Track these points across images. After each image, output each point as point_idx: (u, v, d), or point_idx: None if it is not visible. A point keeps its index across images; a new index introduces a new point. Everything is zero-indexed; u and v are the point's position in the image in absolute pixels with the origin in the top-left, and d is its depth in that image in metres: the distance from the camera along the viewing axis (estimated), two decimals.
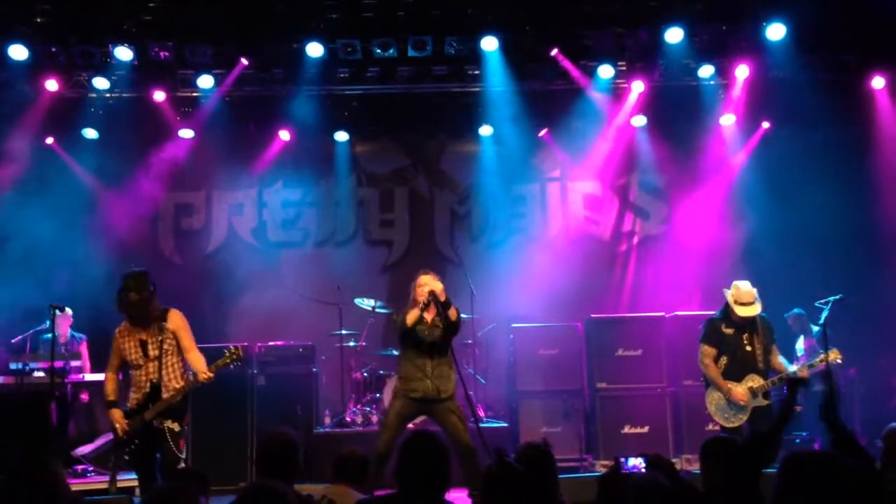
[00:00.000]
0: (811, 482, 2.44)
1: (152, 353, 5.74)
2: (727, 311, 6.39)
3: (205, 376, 5.70)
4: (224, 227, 10.04)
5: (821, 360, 6.40)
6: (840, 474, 2.43)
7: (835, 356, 6.35)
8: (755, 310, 6.31)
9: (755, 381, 6.30)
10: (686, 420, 8.15)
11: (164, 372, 5.71)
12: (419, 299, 6.09)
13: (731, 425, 6.29)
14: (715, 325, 6.44)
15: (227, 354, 5.78)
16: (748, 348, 6.35)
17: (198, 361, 5.79)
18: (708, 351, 6.42)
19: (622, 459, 4.03)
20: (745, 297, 6.31)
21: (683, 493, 3.58)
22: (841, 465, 2.47)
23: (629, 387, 8.24)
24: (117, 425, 5.71)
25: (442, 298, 6.05)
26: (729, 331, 6.39)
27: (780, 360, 6.50)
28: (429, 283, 6.13)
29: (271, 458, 4.09)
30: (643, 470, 3.98)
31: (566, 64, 8.86)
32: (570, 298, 9.33)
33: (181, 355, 5.86)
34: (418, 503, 3.51)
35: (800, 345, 8.38)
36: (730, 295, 6.38)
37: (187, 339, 5.85)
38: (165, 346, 5.75)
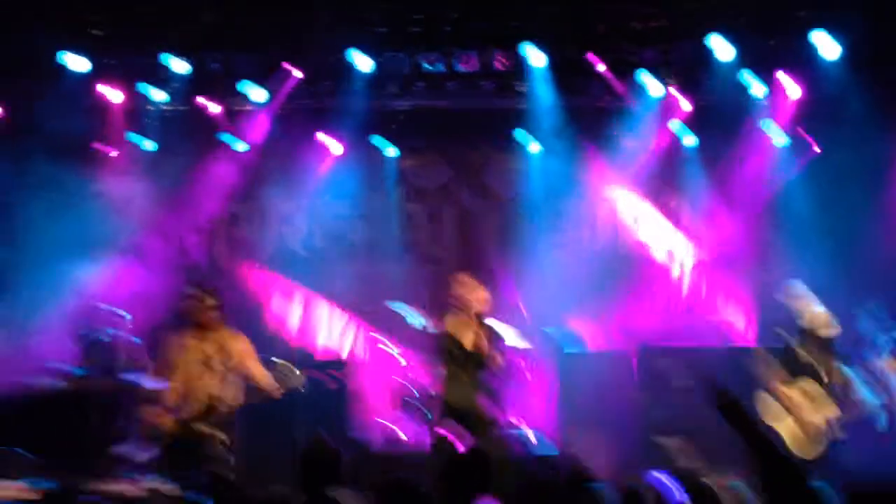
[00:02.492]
0: None
1: (217, 367, 5.87)
2: (804, 338, 6.33)
3: (278, 393, 5.83)
4: (274, 238, 10.16)
5: None
6: None
7: None
8: (835, 330, 6.27)
9: (832, 413, 6.23)
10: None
11: (223, 387, 5.82)
12: (470, 310, 6.07)
13: (805, 457, 6.15)
14: (791, 352, 6.38)
15: (293, 377, 5.90)
16: (825, 380, 6.27)
17: (264, 380, 5.93)
18: (780, 376, 6.35)
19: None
20: (822, 320, 6.29)
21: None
22: None
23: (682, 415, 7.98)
24: (164, 427, 5.85)
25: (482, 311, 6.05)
26: (806, 359, 6.32)
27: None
28: (475, 291, 6.13)
29: (313, 465, 4.12)
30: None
31: (613, 80, 8.83)
32: (616, 317, 9.25)
33: (242, 375, 5.98)
34: None
35: None
36: (807, 322, 6.31)
37: (255, 367, 6.00)
38: (230, 365, 5.89)
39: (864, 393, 6.42)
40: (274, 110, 9.27)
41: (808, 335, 6.31)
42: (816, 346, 6.28)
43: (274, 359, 6.23)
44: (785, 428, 6.30)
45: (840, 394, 6.25)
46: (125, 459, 7.62)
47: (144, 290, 8.79)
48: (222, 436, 5.82)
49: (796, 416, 6.24)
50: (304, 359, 8.56)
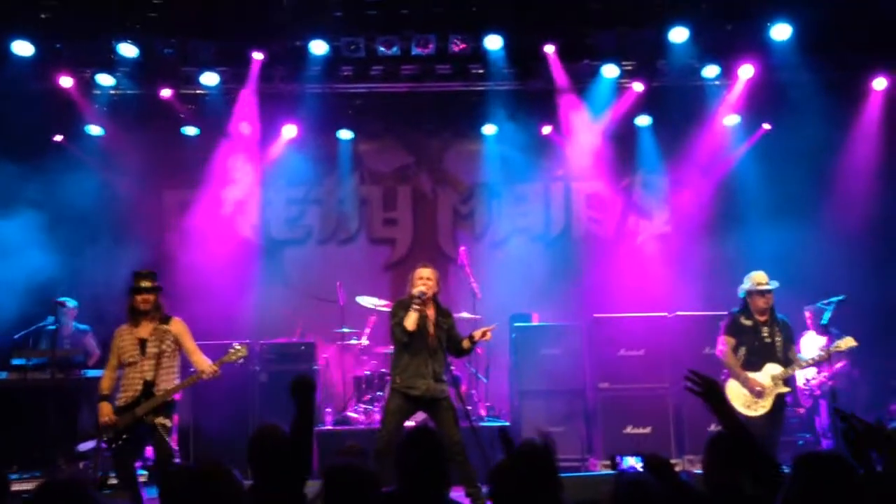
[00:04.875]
0: (827, 482, 2.41)
1: (151, 350, 5.88)
2: (746, 305, 6.64)
3: (211, 370, 5.84)
4: (227, 225, 10.01)
5: (835, 348, 6.62)
6: (854, 475, 2.41)
7: (849, 343, 6.56)
8: (774, 284, 6.58)
9: (775, 370, 6.49)
10: (688, 421, 8.11)
11: (158, 371, 5.84)
12: (414, 295, 6.07)
13: (753, 414, 6.41)
14: (735, 317, 6.68)
15: (232, 352, 5.98)
16: (767, 340, 6.56)
17: (202, 363, 5.96)
18: (727, 340, 6.64)
19: (618, 458, 4.00)
20: (761, 278, 6.58)
21: (678, 495, 3.54)
22: (853, 465, 2.45)
23: (631, 387, 8.20)
24: (104, 418, 5.79)
25: (429, 294, 6.07)
26: (748, 322, 6.61)
27: (798, 357, 6.75)
28: (423, 279, 6.11)
29: (264, 455, 3.95)
30: (639, 470, 3.94)
31: (557, 65, 8.87)
32: (573, 298, 9.34)
33: (178, 360, 6.01)
34: (419, 500, 3.51)
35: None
36: (748, 284, 6.61)
37: (190, 343, 6.05)
38: (164, 347, 5.92)
39: (800, 358, 6.75)
40: (227, 95, 9.13)
41: (750, 295, 6.59)
42: (759, 308, 6.56)
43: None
44: (730, 389, 6.50)
45: (781, 350, 6.55)
46: (80, 454, 7.49)
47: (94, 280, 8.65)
48: (165, 421, 5.80)
49: (740, 376, 6.51)
50: (260, 345, 8.49)
